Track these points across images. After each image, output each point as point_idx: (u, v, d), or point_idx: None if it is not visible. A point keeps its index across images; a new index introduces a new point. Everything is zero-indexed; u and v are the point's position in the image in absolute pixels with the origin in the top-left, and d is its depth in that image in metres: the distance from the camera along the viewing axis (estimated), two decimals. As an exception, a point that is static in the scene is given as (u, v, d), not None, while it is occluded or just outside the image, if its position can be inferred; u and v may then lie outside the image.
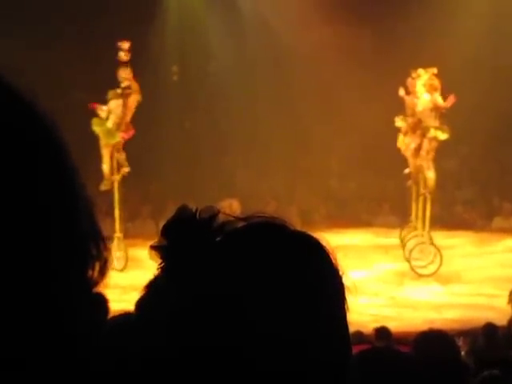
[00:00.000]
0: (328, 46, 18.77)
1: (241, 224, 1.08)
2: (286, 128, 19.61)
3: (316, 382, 1.03)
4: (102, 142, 15.11)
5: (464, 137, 18.92)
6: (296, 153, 20.11)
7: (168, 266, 1.07)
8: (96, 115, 14.98)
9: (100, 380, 0.73)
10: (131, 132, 15.20)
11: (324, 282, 1.07)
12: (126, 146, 15.29)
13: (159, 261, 1.07)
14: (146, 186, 19.78)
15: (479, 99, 18.21)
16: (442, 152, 15.71)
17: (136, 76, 15.34)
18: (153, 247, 1.07)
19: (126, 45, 15.01)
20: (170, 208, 19.58)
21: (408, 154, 15.30)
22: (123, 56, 14.97)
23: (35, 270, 0.66)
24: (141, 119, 15.65)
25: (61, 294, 0.67)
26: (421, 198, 15.32)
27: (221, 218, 1.08)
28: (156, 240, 1.08)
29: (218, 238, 1.06)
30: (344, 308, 1.07)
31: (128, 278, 12.18)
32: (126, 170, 15.21)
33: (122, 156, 15.15)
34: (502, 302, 10.55)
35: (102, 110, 14.90)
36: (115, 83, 15.12)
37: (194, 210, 1.08)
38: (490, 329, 8.77)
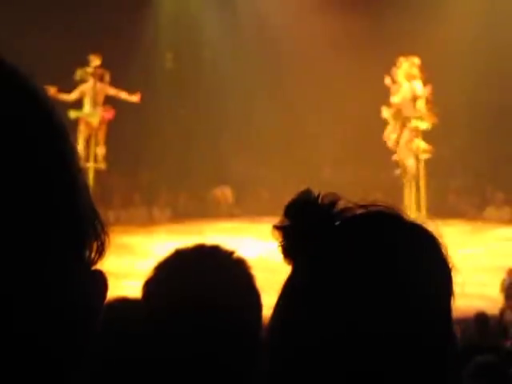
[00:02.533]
0: (321, 35, 18.75)
1: (359, 211, 1.12)
2: (280, 117, 19.63)
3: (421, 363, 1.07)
4: (80, 127, 15.01)
5: (458, 126, 18.95)
6: (290, 141, 20.11)
7: (288, 245, 1.11)
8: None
9: (100, 364, 0.73)
10: (111, 112, 15.08)
11: (436, 275, 1.12)
12: (117, 134, 15.20)
13: (280, 239, 1.12)
14: (139, 173, 19.77)
15: (473, 89, 18.24)
16: (435, 141, 15.75)
17: (131, 63, 15.33)
18: (275, 226, 1.12)
19: (96, 61, 14.95)
20: (162, 195, 19.60)
21: (391, 143, 15.45)
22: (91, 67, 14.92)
23: (30, 247, 0.66)
24: (134, 106, 15.62)
25: (56, 271, 0.68)
26: (408, 186, 15.48)
27: (341, 204, 1.13)
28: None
29: (337, 223, 1.11)
30: (450, 302, 1.13)
31: (120, 264, 12.17)
32: (101, 166, 15.11)
33: (101, 150, 15.07)
34: (494, 290, 10.59)
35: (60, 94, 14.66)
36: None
37: (316, 195, 1.13)
38: (481, 318, 8.81)
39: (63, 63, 15.31)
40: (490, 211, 18.67)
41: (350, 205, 1.12)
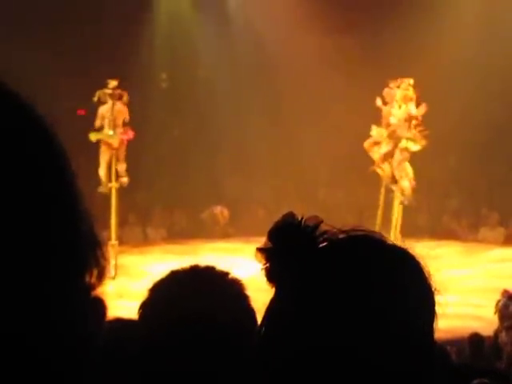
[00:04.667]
0: (317, 55, 18.80)
1: (341, 235, 1.14)
2: (275, 136, 19.65)
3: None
4: (102, 148, 15.17)
5: (453, 146, 18.99)
6: (285, 160, 20.12)
7: (272, 268, 1.14)
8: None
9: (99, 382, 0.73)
10: (131, 133, 15.25)
11: (417, 299, 1.13)
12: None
13: (264, 262, 1.15)
14: (134, 193, 19.74)
15: (468, 108, 18.28)
16: (430, 161, 15.76)
17: (126, 82, 15.39)
18: (259, 249, 1.15)
19: (113, 83, 15.08)
20: (157, 215, 19.56)
21: (377, 158, 15.46)
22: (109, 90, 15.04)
23: (32, 273, 0.66)
24: (130, 126, 15.64)
25: (57, 297, 0.68)
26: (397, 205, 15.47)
27: (324, 227, 1.15)
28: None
29: (321, 246, 1.13)
30: (433, 324, 1.13)
31: (115, 284, 12.14)
32: (124, 180, 15.26)
33: (122, 166, 15.21)
34: (489, 312, 10.56)
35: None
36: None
37: (299, 218, 1.15)
38: (475, 339, 8.79)
39: (64, 84, 15.42)
40: (484, 232, 18.66)
41: (333, 229, 1.14)
